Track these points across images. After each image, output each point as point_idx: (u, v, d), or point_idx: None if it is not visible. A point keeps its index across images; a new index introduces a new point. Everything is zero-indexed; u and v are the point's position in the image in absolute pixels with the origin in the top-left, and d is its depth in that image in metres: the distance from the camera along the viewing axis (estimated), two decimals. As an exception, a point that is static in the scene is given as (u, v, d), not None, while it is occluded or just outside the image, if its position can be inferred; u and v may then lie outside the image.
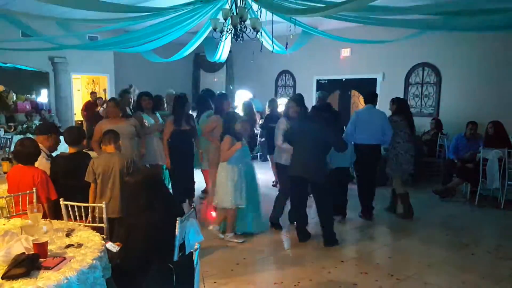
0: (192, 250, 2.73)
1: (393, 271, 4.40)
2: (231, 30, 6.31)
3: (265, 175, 7.83)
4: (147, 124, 5.99)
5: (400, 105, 6.22)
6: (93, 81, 12.55)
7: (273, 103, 8.05)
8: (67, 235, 2.82)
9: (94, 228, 3.08)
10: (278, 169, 5.76)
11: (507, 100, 8.13)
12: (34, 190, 3.65)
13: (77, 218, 3.48)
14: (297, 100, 5.65)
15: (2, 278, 2.15)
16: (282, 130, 5.46)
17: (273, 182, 7.78)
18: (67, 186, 3.91)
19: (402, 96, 9.75)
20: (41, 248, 2.42)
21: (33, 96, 10.87)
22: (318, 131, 4.99)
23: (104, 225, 3.53)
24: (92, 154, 5.01)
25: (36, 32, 7.78)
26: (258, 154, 10.47)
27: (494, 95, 8.37)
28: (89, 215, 3.60)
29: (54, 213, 3.70)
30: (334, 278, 4.25)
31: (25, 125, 8.94)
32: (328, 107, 6.13)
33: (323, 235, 5.11)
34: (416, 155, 6.46)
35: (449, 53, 8.99)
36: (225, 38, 6.65)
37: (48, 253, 2.46)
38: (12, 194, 3.68)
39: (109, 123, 5.37)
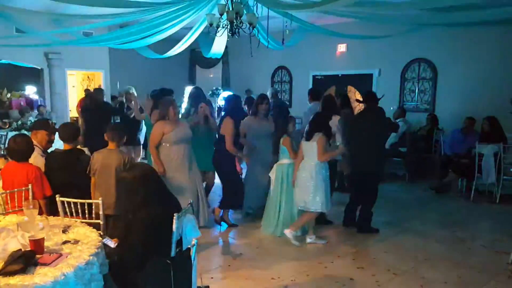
0: (189, 246, 2.73)
1: (390, 266, 4.41)
2: (227, 26, 6.29)
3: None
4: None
5: (344, 100, 6.94)
6: (88, 77, 12.46)
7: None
8: (64, 232, 2.81)
9: (90, 224, 3.07)
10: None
11: (502, 96, 8.14)
12: (29, 187, 3.63)
13: (74, 214, 3.47)
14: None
15: (-1, 275, 2.14)
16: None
17: None
18: (61, 183, 3.90)
19: (398, 92, 9.80)
20: (37, 244, 2.41)
21: (28, 92, 10.81)
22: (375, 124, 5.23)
23: (100, 221, 3.52)
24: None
25: (29, 28, 7.72)
26: None
27: (490, 90, 8.39)
28: (93, 210, 3.58)
29: (50, 209, 3.69)
30: (331, 273, 4.27)
31: (19, 122, 8.88)
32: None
33: (359, 223, 5.41)
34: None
35: (445, 49, 9.00)
36: (221, 34, 6.62)
37: (45, 249, 2.45)
38: (8, 191, 3.66)
39: (171, 126, 4.96)
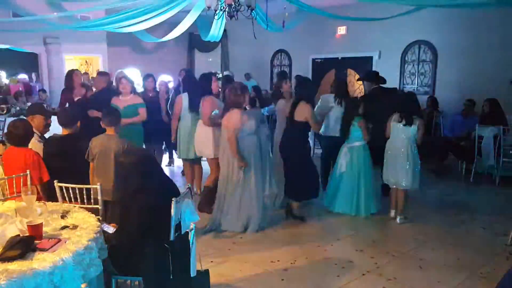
0: (187, 230, 2.73)
1: (389, 248, 4.44)
2: (225, 8, 6.21)
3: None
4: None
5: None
6: (86, 62, 12.38)
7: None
8: (62, 217, 2.80)
9: (89, 210, 3.07)
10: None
11: (503, 78, 8.09)
12: (28, 172, 3.62)
13: (72, 200, 3.46)
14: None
15: (-3, 260, 2.14)
16: None
17: None
18: (60, 168, 3.88)
19: (398, 75, 9.74)
20: (36, 230, 2.40)
21: (26, 77, 10.76)
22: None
23: (99, 207, 3.52)
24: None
25: (26, 12, 7.62)
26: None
27: (490, 72, 8.33)
28: (91, 196, 3.58)
29: (48, 194, 3.68)
30: (330, 255, 4.29)
31: (17, 107, 8.85)
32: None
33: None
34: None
35: (445, 31, 8.92)
36: (219, 17, 6.54)
37: (43, 235, 2.45)
38: (6, 177, 3.65)
39: (248, 114, 4.69)
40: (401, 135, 5.07)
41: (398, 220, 5.14)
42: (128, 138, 5.22)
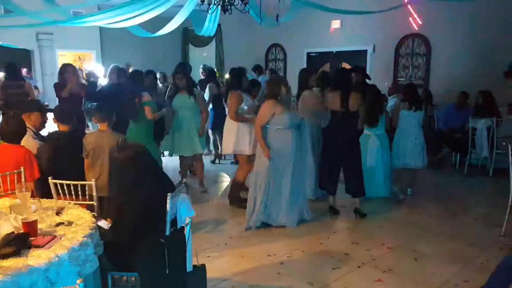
0: (183, 225, 2.73)
1: (384, 240, 4.47)
2: (219, 2, 6.18)
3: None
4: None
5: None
6: (79, 58, 12.31)
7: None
8: (57, 214, 2.80)
9: (84, 206, 3.06)
10: None
11: (496, 70, 8.11)
12: (22, 169, 3.60)
13: (67, 196, 3.45)
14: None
15: (-8, 257, 2.13)
16: None
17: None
18: (69, 161, 3.91)
19: (392, 68, 9.74)
20: (30, 227, 2.39)
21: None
22: None
23: (94, 203, 3.51)
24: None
25: (18, 8, 7.55)
26: None
27: (484, 64, 8.35)
28: (86, 192, 3.57)
29: (42, 191, 3.66)
30: (326, 248, 4.31)
31: (11, 104, 8.77)
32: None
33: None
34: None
35: (439, 23, 8.92)
36: (213, 11, 6.51)
37: (38, 231, 2.44)
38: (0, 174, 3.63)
39: (284, 107, 4.65)
40: (412, 121, 5.60)
41: (401, 197, 5.68)
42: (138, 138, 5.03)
